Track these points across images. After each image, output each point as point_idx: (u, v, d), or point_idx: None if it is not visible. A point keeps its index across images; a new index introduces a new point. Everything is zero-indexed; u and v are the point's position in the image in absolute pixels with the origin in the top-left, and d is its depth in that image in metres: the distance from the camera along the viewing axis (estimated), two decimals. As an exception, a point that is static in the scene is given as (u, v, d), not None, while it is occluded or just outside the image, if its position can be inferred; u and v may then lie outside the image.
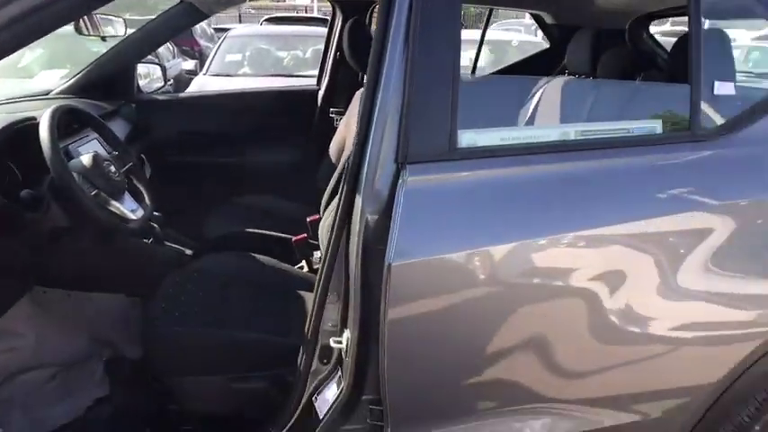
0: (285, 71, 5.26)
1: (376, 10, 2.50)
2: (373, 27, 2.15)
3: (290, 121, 2.55)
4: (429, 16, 1.06)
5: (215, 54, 5.35)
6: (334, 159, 2.42)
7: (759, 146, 1.21)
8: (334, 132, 2.49)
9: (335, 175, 2.03)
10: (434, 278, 1.07)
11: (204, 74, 5.11)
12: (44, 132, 1.36)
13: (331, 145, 2.44)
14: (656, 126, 1.21)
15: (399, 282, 1.04)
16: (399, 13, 1.07)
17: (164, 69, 2.70)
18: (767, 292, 1.20)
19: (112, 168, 1.56)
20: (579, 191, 1.13)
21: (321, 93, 2.54)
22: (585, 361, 1.16)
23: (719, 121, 1.23)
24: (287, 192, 2.43)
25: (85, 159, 1.51)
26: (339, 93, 2.48)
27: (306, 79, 4.88)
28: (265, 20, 8.66)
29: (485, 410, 1.21)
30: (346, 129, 2.41)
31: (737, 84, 1.30)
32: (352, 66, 2.13)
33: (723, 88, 1.25)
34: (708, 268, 1.17)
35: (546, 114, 1.25)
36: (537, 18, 2.41)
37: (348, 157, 1.33)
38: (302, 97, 2.64)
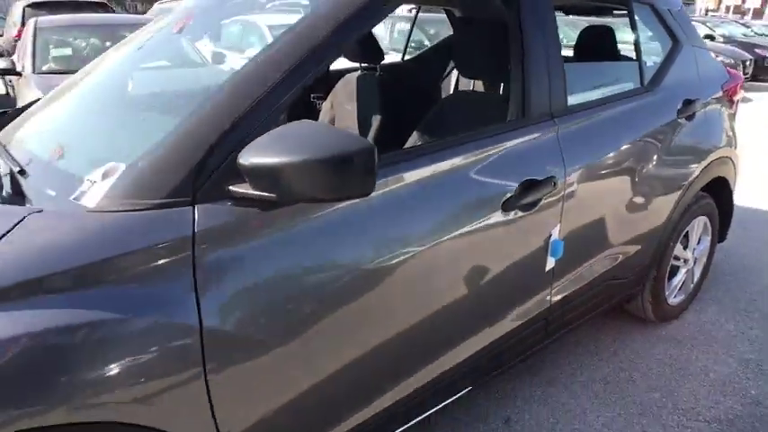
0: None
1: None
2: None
3: None
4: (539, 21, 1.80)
5: (34, 48, 4.88)
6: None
7: (667, 91, 2.29)
8: (316, 116, 2.98)
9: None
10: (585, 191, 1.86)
11: (33, 72, 4.67)
12: None
13: (320, 126, 2.93)
14: (631, 84, 2.20)
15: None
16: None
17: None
18: (680, 172, 2.32)
19: None
20: (612, 125, 2.04)
21: (298, 81, 2.97)
22: (616, 225, 2.11)
23: (648, 79, 2.27)
24: None
25: None
26: (317, 80, 2.95)
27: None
28: (28, 5, 7.68)
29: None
30: (332, 110, 2.94)
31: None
32: (348, 59, 2.67)
33: (650, 61, 2.30)
34: (654, 163, 2.20)
35: (580, 86, 2.11)
36: (448, 12, 3.21)
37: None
38: None
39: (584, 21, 4.98)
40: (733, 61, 10.65)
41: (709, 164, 2.50)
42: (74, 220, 1.04)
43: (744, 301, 2.99)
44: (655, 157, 2.17)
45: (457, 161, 1.54)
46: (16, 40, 7.30)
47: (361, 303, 1.35)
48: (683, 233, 2.59)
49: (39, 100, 2.02)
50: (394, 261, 1.38)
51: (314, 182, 1.07)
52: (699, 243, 2.78)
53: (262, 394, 1.22)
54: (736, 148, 2.75)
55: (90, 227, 1.03)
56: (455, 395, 1.77)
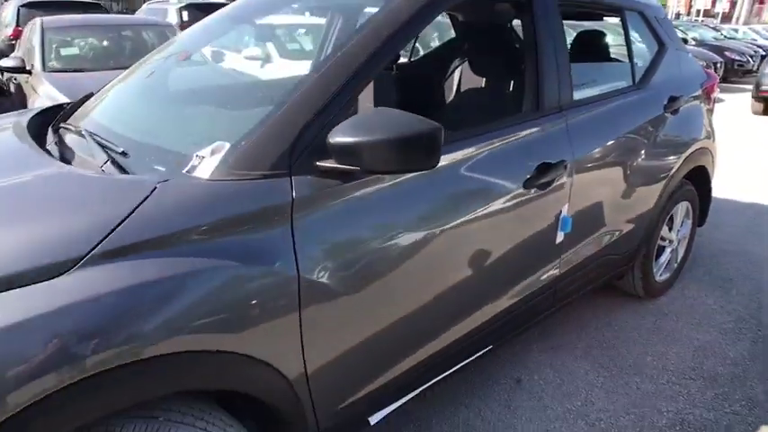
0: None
1: None
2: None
3: None
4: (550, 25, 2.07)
5: (42, 48, 5.02)
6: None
7: (655, 89, 2.58)
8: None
9: None
10: (589, 174, 2.14)
11: (44, 70, 4.81)
12: None
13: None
14: (624, 83, 2.48)
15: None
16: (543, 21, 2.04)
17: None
18: (667, 160, 2.62)
19: None
20: (611, 118, 2.32)
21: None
22: (613, 205, 2.39)
23: (638, 78, 2.56)
24: None
25: None
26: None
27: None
28: (23, 5, 7.75)
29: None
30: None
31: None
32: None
33: (639, 62, 2.59)
34: (646, 151, 2.49)
35: (582, 83, 2.38)
36: (452, 17, 3.48)
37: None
38: None
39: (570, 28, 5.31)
40: (705, 63, 11.16)
41: (691, 154, 2.80)
42: (201, 187, 1.27)
43: (721, 280, 3.31)
44: (646, 146, 2.46)
45: (488, 146, 1.80)
46: (11, 40, 7.38)
47: (413, 264, 1.59)
48: (669, 216, 2.89)
49: (92, 94, 2.22)
50: (440, 228, 1.63)
51: (390, 156, 1.31)
52: (682, 226, 3.09)
53: (339, 334, 1.46)
54: (714, 140, 3.06)
55: (216, 192, 1.26)
56: (480, 352, 2.03)
